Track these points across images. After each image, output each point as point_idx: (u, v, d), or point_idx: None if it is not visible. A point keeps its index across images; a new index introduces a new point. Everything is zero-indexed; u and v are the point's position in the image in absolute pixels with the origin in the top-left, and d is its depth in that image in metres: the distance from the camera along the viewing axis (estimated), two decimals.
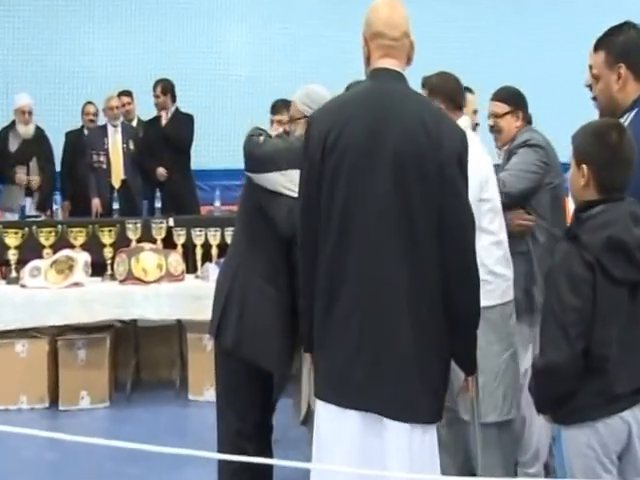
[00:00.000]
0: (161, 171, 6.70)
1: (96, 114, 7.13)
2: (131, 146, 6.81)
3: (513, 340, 3.10)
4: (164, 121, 6.81)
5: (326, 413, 2.24)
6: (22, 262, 4.96)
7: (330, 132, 2.23)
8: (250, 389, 2.82)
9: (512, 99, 3.53)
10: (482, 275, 2.75)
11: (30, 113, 6.67)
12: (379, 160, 2.20)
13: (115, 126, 6.81)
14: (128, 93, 7.17)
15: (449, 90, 3.13)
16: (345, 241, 2.21)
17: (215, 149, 8.05)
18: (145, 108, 7.09)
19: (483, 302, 2.71)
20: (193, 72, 8.15)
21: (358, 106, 2.26)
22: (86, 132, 7.12)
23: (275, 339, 2.75)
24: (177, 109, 6.88)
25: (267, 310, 2.76)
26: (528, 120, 3.57)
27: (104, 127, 6.88)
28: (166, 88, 6.78)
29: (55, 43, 8.35)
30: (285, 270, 2.77)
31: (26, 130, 6.69)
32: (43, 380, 4.79)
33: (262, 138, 2.85)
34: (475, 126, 4.14)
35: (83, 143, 6.99)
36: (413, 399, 2.18)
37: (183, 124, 6.79)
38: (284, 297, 2.77)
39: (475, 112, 4.17)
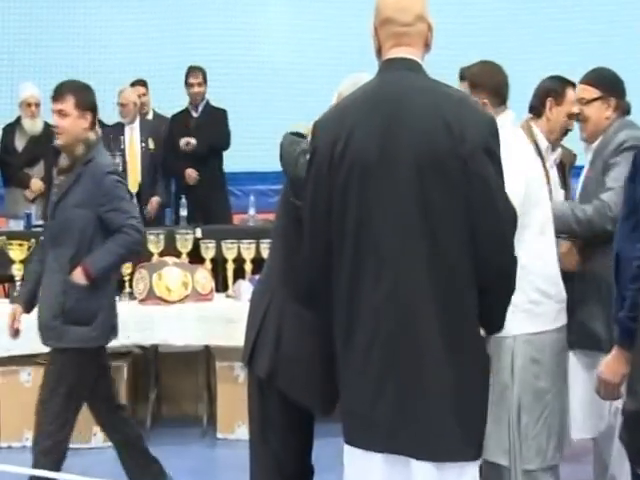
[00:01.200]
0: (191, 173, 6.77)
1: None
2: (150, 145, 6.88)
3: (564, 373, 3.08)
4: (195, 115, 6.89)
5: (351, 456, 2.32)
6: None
7: (337, 140, 2.28)
8: (288, 426, 2.84)
9: (604, 83, 3.46)
10: (529, 295, 2.74)
11: (37, 105, 6.77)
12: (394, 166, 2.23)
13: (131, 122, 6.91)
14: (143, 83, 7.25)
15: (494, 83, 3.12)
16: (361, 261, 2.25)
17: (249, 149, 8.09)
18: (158, 101, 7.18)
19: (529, 328, 2.71)
20: (222, 60, 8.23)
21: (366, 107, 2.29)
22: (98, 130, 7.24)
23: (314, 370, 2.76)
24: (208, 102, 6.97)
25: (305, 337, 2.78)
26: (624, 111, 3.47)
27: (120, 125, 6.99)
28: (205, 76, 6.86)
29: (62, 27, 8.53)
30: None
31: (33, 125, 6.80)
32: None
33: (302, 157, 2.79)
34: (565, 133, 4.00)
35: None
36: (445, 434, 2.21)
37: (218, 119, 6.88)
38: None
39: (572, 116, 3.84)
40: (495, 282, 2.28)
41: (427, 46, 2.38)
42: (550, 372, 2.99)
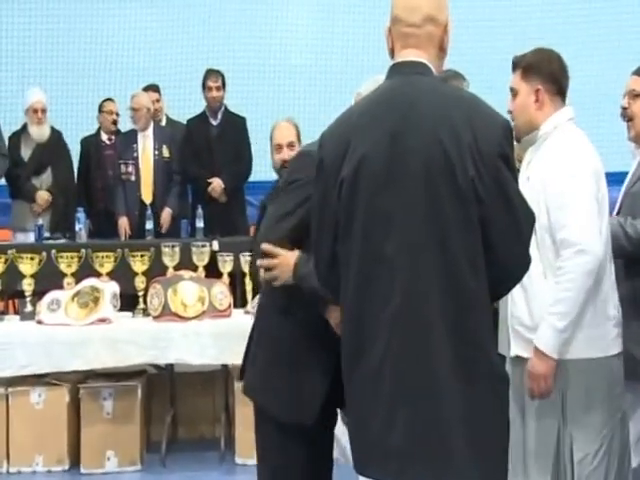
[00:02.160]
0: (217, 186, 6.75)
1: (118, 114, 7.19)
2: (165, 153, 6.86)
3: (621, 403, 2.95)
4: (214, 122, 6.85)
5: None
6: (39, 293, 5.05)
7: (343, 150, 2.23)
8: (287, 451, 2.78)
9: None
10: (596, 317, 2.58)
11: (44, 111, 6.78)
12: (402, 176, 2.18)
13: (144, 130, 6.87)
14: (155, 88, 7.23)
15: (550, 69, 2.99)
16: (370, 276, 2.20)
17: (268, 157, 8.08)
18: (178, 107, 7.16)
19: (584, 353, 2.57)
20: (242, 63, 8.22)
21: (372, 115, 2.25)
22: (104, 137, 7.22)
23: (285, 380, 2.75)
24: (226, 108, 6.94)
25: (279, 347, 2.78)
26: None
27: (133, 132, 6.96)
28: (224, 81, 6.84)
29: (72, 30, 8.54)
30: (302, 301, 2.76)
31: (40, 132, 6.79)
32: (62, 437, 4.83)
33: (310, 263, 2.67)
34: None
35: (100, 150, 7.09)
36: (459, 465, 2.15)
37: (238, 129, 6.87)
38: (303, 331, 2.76)
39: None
40: (505, 286, 2.32)
41: (442, 50, 2.31)
42: (608, 401, 2.87)
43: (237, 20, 8.60)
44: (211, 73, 6.88)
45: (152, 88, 7.20)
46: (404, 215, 2.17)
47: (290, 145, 4.17)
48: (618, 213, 3.30)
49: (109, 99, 7.31)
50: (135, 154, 6.81)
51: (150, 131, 6.89)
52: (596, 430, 2.84)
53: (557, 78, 2.99)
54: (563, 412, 2.82)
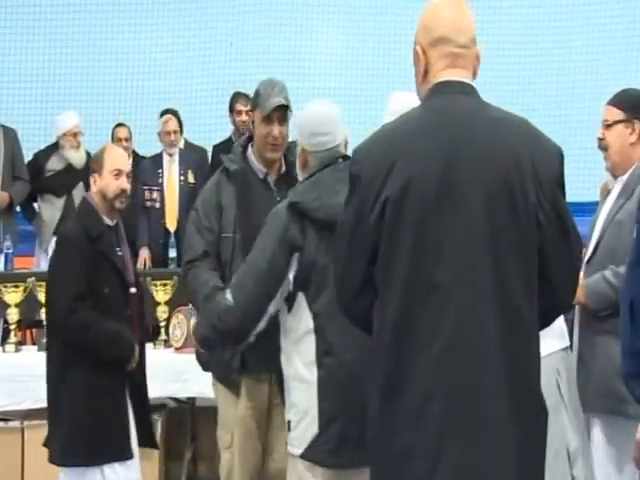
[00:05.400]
0: None
1: (128, 139, 7.15)
2: (190, 178, 6.81)
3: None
4: None
5: None
6: None
7: (386, 170, 2.20)
8: None
9: (630, 104, 3.27)
10: None
11: (80, 134, 6.77)
12: (457, 199, 2.16)
13: (171, 154, 6.88)
14: (173, 113, 7.15)
15: None
16: (417, 304, 2.16)
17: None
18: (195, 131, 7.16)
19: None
20: None
21: (420, 136, 2.22)
22: None
23: None
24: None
25: None
26: None
27: (159, 156, 6.97)
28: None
29: (93, 54, 8.63)
30: None
31: (78, 156, 6.75)
32: None
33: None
34: None
35: None
36: None
37: None
38: None
39: None
40: (556, 314, 2.39)
41: (475, 73, 2.34)
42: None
43: (261, 43, 8.67)
44: (240, 96, 6.82)
45: (170, 112, 7.15)
46: (459, 242, 2.15)
47: None
48: (599, 241, 3.30)
49: (120, 124, 7.28)
50: (160, 180, 6.79)
51: (176, 156, 6.88)
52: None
53: None
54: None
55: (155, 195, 6.79)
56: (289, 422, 3.01)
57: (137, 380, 3.88)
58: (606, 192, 3.47)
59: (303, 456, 2.96)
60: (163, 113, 7.24)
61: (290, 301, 2.98)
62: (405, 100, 3.24)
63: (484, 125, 2.24)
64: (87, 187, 3.96)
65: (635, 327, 2.42)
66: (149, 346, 5.08)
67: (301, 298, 2.96)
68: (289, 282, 2.95)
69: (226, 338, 3.09)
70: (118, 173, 3.81)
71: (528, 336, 2.18)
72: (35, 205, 6.98)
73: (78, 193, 6.77)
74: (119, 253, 3.84)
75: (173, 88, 8.46)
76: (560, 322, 3.16)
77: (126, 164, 3.93)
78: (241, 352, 3.37)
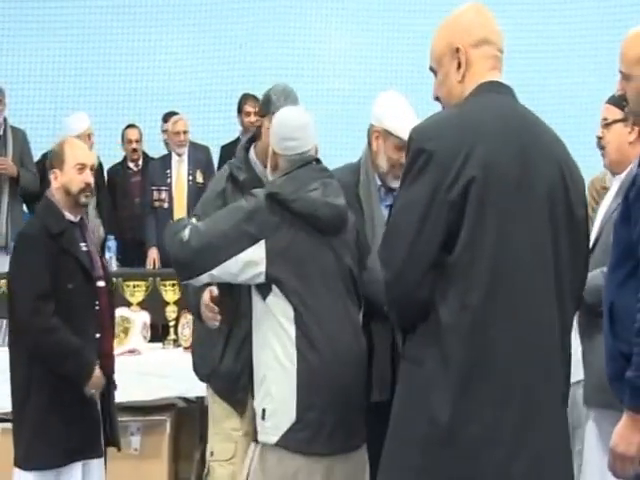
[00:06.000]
0: None
1: (139, 140, 7.21)
2: (199, 178, 6.85)
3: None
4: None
5: None
6: None
7: (466, 151, 2.17)
8: None
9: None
10: None
11: (93, 135, 6.79)
12: (533, 197, 2.20)
13: (180, 155, 6.91)
14: (177, 114, 7.21)
15: None
16: (501, 293, 2.17)
17: None
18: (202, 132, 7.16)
19: None
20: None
21: (497, 123, 2.25)
22: (130, 164, 7.26)
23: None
24: None
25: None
26: None
27: (168, 157, 7.01)
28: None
29: (104, 55, 8.67)
30: None
31: (95, 158, 6.78)
32: None
33: (187, 231, 3.03)
34: None
35: (127, 178, 7.14)
36: None
37: None
38: None
39: None
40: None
41: None
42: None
43: (270, 45, 8.68)
44: (249, 98, 6.86)
45: (175, 114, 7.19)
46: (531, 238, 2.21)
47: None
48: (597, 240, 3.30)
49: (130, 125, 7.33)
50: (169, 180, 6.83)
51: (185, 156, 6.92)
52: None
53: None
54: None
55: (164, 195, 6.84)
56: (263, 410, 3.02)
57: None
58: (600, 187, 3.49)
59: (279, 444, 2.98)
60: (166, 115, 7.28)
61: (264, 291, 3.00)
62: (399, 99, 3.36)
63: (539, 125, 2.32)
64: (47, 184, 3.80)
65: (615, 330, 2.44)
66: (158, 346, 5.12)
67: (277, 289, 2.99)
68: (249, 265, 2.97)
69: (174, 264, 3.14)
70: (82, 167, 3.71)
71: (570, 330, 2.30)
72: None
73: None
74: (84, 248, 3.76)
75: (182, 89, 8.48)
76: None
77: (89, 157, 3.83)
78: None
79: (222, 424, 3.50)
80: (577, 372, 3.12)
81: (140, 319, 5.00)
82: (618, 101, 3.29)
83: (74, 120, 6.85)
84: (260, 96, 6.96)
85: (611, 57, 2.67)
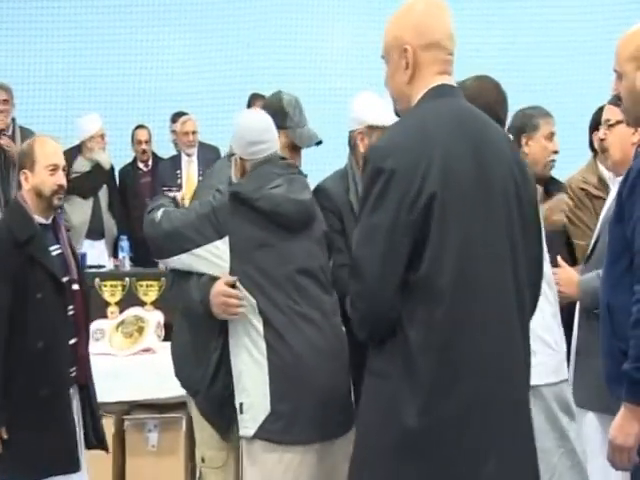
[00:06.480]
0: None
1: (148, 141, 7.26)
2: None
3: (567, 435, 3.05)
4: None
5: None
6: None
7: (425, 165, 2.16)
8: None
9: None
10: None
11: (105, 135, 6.86)
12: (491, 199, 2.22)
13: (190, 155, 6.96)
14: (185, 114, 7.24)
15: (485, 100, 3.04)
16: (466, 306, 2.16)
17: (315, 181, 8.16)
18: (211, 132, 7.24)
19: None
20: (281, 86, 8.29)
21: (452, 130, 2.24)
22: (140, 165, 7.32)
23: None
24: None
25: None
26: None
27: (177, 157, 7.06)
28: None
29: (113, 54, 8.72)
30: None
31: (107, 158, 6.84)
32: (107, 470, 4.81)
33: (160, 213, 3.13)
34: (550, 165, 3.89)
35: (137, 178, 7.21)
36: None
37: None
38: None
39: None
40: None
41: None
42: (552, 431, 2.97)
43: (277, 44, 8.70)
44: (257, 97, 6.84)
45: (184, 114, 7.23)
46: (492, 239, 2.21)
47: None
48: (596, 242, 3.31)
49: (140, 126, 7.38)
50: (179, 180, 6.88)
51: (195, 156, 6.97)
52: (542, 458, 2.88)
53: (493, 109, 3.02)
54: None
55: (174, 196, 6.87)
56: (241, 404, 3.09)
57: (82, 381, 3.71)
58: (578, 188, 3.56)
59: (256, 435, 3.04)
60: (175, 115, 7.32)
61: (232, 287, 3.07)
62: (371, 95, 3.46)
63: (489, 125, 2.33)
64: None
65: (613, 329, 2.45)
66: (168, 345, 5.15)
67: (239, 285, 3.06)
68: (216, 257, 3.06)
69: (147, 240, 3.22)
70: (54, 168, 3.51)
71: (528, 329, 2.30)
72: None
73: (103, 195, 6.91)
74: (57, 251, 3.59)
75: (189, 89, 8.51)
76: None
77: (61, 157, 3.60)
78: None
79: (211, 432, 3.41)
80: (562, 371, 3.18)
81: (154, 318, 5.04)
82: (617, 102, 3.34)
83: (87, 121, 6.90)
84: (268, 96, 7.07)
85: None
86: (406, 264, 2.16)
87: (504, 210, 2.22)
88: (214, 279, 3.11)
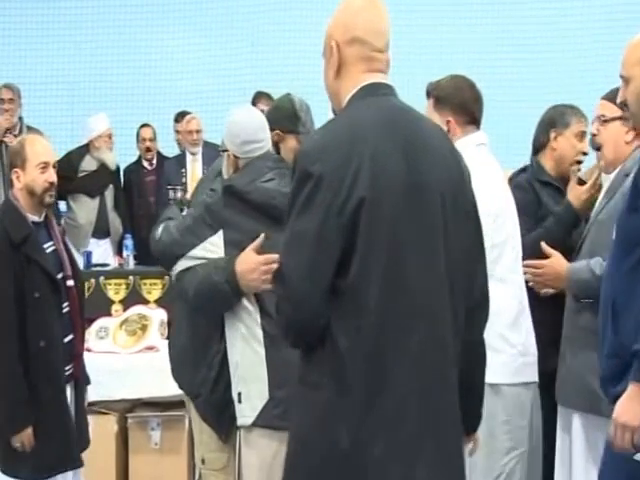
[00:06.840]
0: None
1: (153, 139, 7.29)
2: None
3: (524, 437, 3.02)
4: None
5: None
6: (87, 320, 5.10)
7: (354, 168, 2.12)
8: None
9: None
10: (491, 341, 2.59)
11: (113, 135, 6.90)
12: (424, 202, 2.18)
13: (194, 154, 6.98)
14: (189, 114, 7.26)
15: (460, 99, 3.04)
16: (393, 305, 2.14)
17: None
18: (215, 130, 7.25)
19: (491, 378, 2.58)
20: (289, 87, 8.31)
21: (381, 132, 2.18)
22: (145, 163, 7.35)
23: None
24: None
25: None
26: None
27: (182, 156, 7.08)
28: None
29: (118, 54, 8.76)
30: None
31: (113, 157, 6.90)
32: (111, 468, 4.86)
33: (160, 229, 3.24)
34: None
35: (141, 177, 7.23)
36: None
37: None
38: None
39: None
40: (482, 319, 2.36)
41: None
42: (506, 432, 2.95)
43: (282, 42, 8.71)
44: (262, 96, 6.88)
45: (187, 114, 7.25)
46: (425, 236, 2.17)
47: None
48: (583, 240, 3.29)
49: (144, 125, 7.40)
50: (184, 179, 6.90)
51: (199, 155, 7.00)
52: (495, 457, 2.91)
53: (468, 108, 3.03)
54: None
55: (179, 194, 6.87)
56: (239, 394, 3.11)
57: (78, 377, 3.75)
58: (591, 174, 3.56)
59: (255, 423, 3.07)
60: (178, 115, 7.33)
61: None
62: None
63: (426, 126, 2.30)
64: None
65: (616, 327, 2.42)
66: None
67: None
68: (211, 252, 3.12)
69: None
70: (45, 166, 3.54)
71: (461, 327, 2.25)
72: (61, 204, 7.08)
73: (109, 194, 6.93)
74: (51, 248, 3.62)
75: (194, 89, 8.53)
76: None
77: (51, 155, 3.64)
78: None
79: (210, 434, 3.41)
80: (525, 373, 3.14)
81: (158, 316, 5.06)
82: (613, 97, 3.30)
83: (95, 121, 6.95)
84: (273, 94, 7.08)
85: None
86: (334, 270, 2.11)
87: (437, 209, 2.18)
88: (233, 256, 3.09)
